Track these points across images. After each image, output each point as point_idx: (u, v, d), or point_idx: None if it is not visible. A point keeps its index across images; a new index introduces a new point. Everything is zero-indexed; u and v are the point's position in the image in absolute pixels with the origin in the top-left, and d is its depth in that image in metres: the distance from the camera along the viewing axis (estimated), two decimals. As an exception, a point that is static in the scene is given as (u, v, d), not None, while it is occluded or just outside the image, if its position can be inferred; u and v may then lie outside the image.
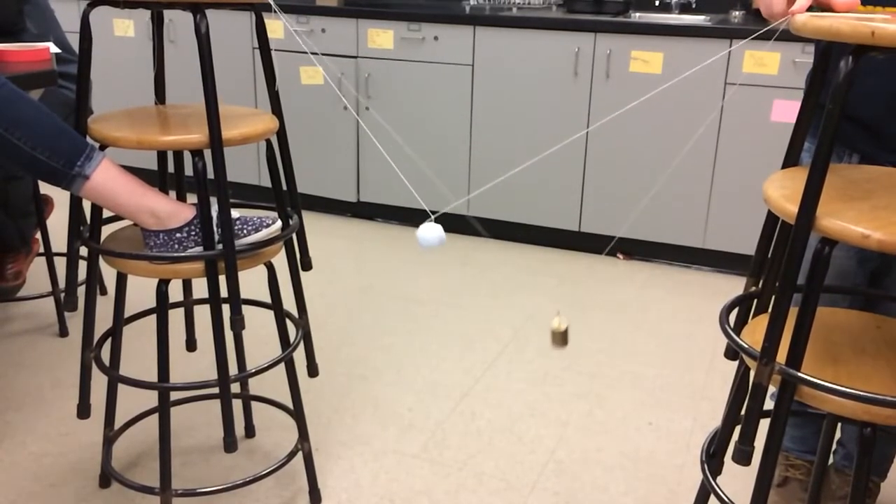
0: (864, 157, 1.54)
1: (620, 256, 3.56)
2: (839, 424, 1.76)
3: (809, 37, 1.07)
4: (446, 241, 3.89)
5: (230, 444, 1.58)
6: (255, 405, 2.17)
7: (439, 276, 3.28)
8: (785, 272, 1.07)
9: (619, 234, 3.47)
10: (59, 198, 2.84)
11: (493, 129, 3.53)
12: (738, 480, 1.93)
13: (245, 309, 1.59)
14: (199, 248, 1.50)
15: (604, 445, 2.16)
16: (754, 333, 1.22)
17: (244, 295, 1.61)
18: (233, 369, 1.69)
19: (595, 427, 2.24)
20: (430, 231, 1.21)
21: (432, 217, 1.22)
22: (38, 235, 2.72)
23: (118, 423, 1.90)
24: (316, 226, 3.85)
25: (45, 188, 2.46)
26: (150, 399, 1.87)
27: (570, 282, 3.27)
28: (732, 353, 1.33)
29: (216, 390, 1.55)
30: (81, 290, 1.62)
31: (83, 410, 1.70)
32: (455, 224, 3.78)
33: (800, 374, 1.06)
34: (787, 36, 1.29)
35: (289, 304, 1.74)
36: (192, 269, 1.50)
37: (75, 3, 4.15)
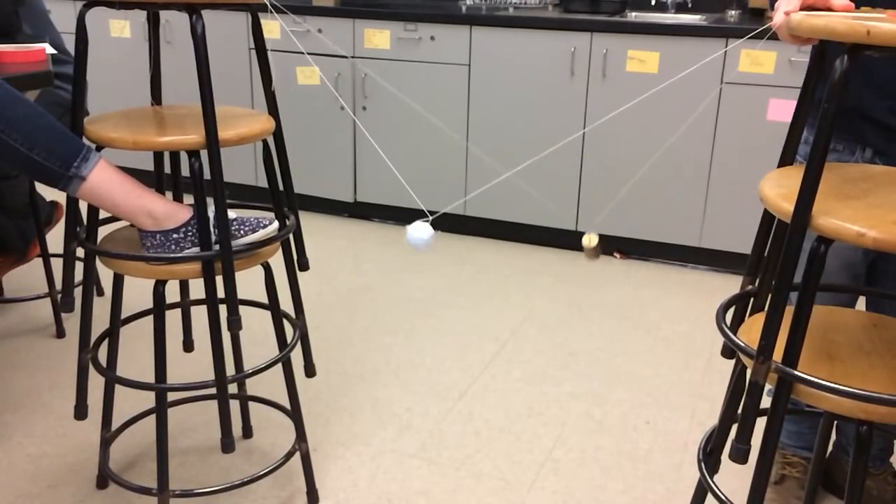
0: (877, 152, 1.56)
1: (617, 256, 3.57)
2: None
3: (805, 36, 1.07)
4: (444, 242, 3.88)
5: (227, 445, 1.58)
6: (252, 405, 2.17)
7: (437, 276, 3.28)
8: (781, 270, 1.07)
9: (621, 234, 3.48)
10: (56, 199, 2.84)
11: (489, 129, 3.53)
12: (735, 479, 1.94)
13: (242, 309, 1.59)
14: (196, 249, 1.50)
15: (601, 444, 2.16)
16: (751, 332, 1.23)
17: (241, 295, 1.61)
18: (230, 370, 1.69)
19: (592, 426, 2.25)
20: (420, 231, 1.17)
21: (430, 217, 1.20)
22: (36, 241, 2.69)
23: (115, 425, 1.90)
24: (313, 226, 3.85)
25: (54, 194, 2.45)
26: (148, 400, 1.87)
27: (567, 281, 3.27)
28: (729, 351, 1.34)
29: (213, 391, 1.55)
30: (78, 292, 1.62)
31: (80, 412, 1.70)
32: (452, 224, 3.78)
33: (796, 373, 1.06)
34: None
35: (286, 304, 1.74)
36: (188, 270, 1.50)
37: (71, 4, 4.15)
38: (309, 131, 3.85)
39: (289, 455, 1.83)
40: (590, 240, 1.31)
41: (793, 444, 1.88)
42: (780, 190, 1.11)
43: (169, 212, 1.50)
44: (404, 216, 3.88)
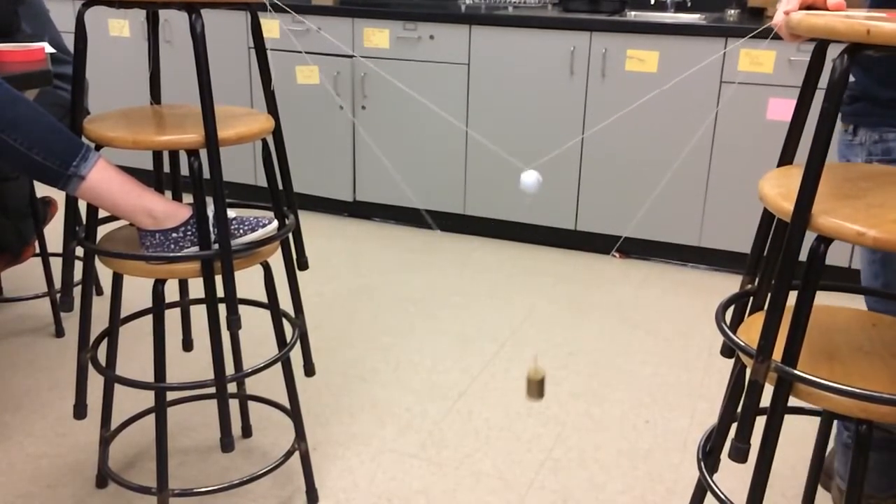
0: None
1: (617, 255, 3.56)
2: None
3: (805, 35, 1.07)
4: (444, 242, 3.88)
5: (227, 444, 1.58)
6: (251, 405, 2.17)
7: (436, 276, 3.28)
8: (781, 270, 1.07)
9: (621, 233, 3.48)
10: (56, 198, 2.84)
11: (489, 129, 3.53)
12: (734, 478, 1.94)
13: (241, 309, 1.59)
14: (196, 248, 1.50)
15: (601, 444, 2.16)
16: (750, 331, 1.23)
17: (240, 295, 1.61)
18: (229, 369, 1.69)
19: (592, 425, 2.24)
20: (530, 176, 1.28)
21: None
22: (35, 242, 2.68)
23: (115, 424, 1.90)
24: (312, 225, 3.84)
25: (46, 190, 2.45)
26: (147, 399, 1.87)
27: (567, 281, 3.27)
28: (728, 350, 1.34)
29: (213, 390, 1.55)
30: (77, 291, 1.62)
31: (80, 411, 1.70)
32: (453, 224, 3.78)
33: (795, 372, 1.06)
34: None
35: (285, 303, 1.74)
36: (188, 269, 1.50)
37: (70, 3, 4.15)
38: (308, 131, 3.85)
39: (288, 454, 1.83)
40: (535, 372, 1.21)
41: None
42: (779, 189, 1.11)
43: (168, 211, 1.50)
44: (404, 216, 3.88)
